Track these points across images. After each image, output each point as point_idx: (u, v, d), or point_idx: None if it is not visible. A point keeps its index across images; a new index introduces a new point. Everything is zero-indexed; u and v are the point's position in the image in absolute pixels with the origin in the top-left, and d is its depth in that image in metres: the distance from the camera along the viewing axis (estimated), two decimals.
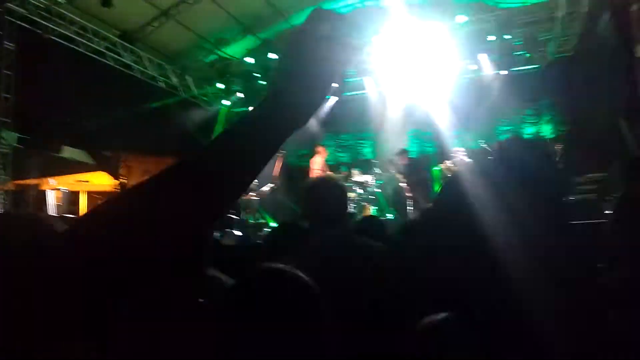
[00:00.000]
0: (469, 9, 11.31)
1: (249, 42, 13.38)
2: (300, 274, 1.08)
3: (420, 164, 9.94)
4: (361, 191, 10.75)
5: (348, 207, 2.31)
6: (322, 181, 2.41)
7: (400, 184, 9.85)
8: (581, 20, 9.80)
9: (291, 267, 1.10)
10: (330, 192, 2.29)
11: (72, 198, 8.08)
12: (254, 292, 1.04)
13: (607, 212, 6.00)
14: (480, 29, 10.74)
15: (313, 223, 2.31)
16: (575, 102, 10.88)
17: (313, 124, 12.03)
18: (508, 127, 12.05)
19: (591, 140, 9.34)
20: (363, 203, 10.45)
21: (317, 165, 9.64)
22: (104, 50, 10.39)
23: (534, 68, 11.78)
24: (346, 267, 1.99)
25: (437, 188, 10.39)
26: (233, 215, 10.29)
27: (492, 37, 10.70)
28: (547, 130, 11.62)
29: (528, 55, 11.03)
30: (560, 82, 11.42)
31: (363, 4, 12.74)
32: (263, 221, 10.43)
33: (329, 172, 9.88)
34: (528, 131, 11.87)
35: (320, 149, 9.94)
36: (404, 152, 9.92)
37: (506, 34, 10.48)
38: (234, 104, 13.56)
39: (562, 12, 9.62)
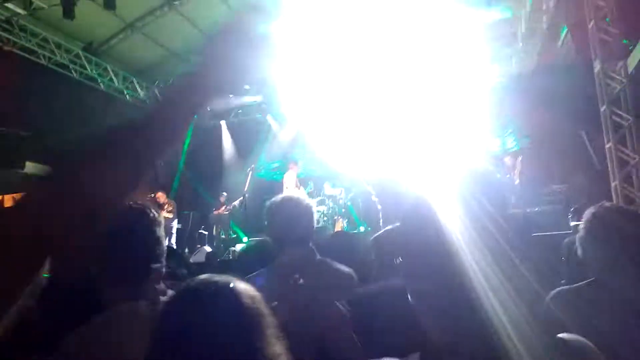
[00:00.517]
0: None
1: None
2: (240, 283, 1.07)
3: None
4: (332, 204, 10.78)
5: (313, 225, 2.32)
6: (287, 200, 2.40)
7: (372, 197, 9.90)
8: (542, 36, 10.17)
9: (228, 278, 1.08)
10: (295, 211, 2.28)
11: None
12: (187, 303, 1.02)
13: (573, 223, 6.19)
14: None
15: (278, 242, 2.30)
16: (538, 116, 11.25)
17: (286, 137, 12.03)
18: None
19: (555, 153, 9.67)
20: (335, 216, 10.48)
21: (290, 180, 9.59)
22: (68, 63, 10.12)
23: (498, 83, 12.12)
24: (308, 289, 2.02)
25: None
26: (204, 231, 10.14)
27: None
28: (510, 143, 11.93)
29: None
30: (523, 95, 11.80)
31: None
32: (234, 236, 10.31)
33: (300, 187, 9.86)
34: (493, 144, 12.15)
35: (292, 164, 9.89)
36: None
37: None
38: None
39: (523, 28, 9.97)
